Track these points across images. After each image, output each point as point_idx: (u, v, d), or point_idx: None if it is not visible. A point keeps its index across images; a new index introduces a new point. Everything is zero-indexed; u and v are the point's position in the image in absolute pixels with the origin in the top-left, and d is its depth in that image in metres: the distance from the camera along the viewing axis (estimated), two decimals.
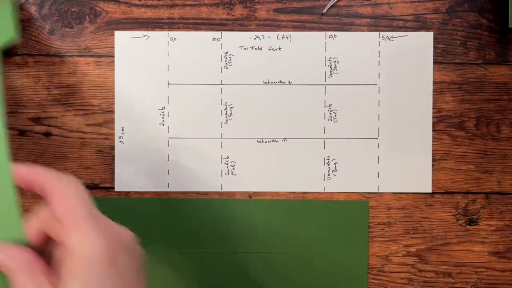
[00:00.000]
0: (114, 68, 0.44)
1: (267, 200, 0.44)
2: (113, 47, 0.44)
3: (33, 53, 0.44)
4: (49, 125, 0.44)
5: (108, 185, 0.44)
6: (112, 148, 0.44)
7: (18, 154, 0.44)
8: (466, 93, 0.44)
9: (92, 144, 0.44)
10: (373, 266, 0.44)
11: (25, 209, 0.43)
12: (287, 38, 0.44)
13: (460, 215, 0.44)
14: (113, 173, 0.44)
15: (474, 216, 0.44)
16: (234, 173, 0.44)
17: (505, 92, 0.44)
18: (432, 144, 0.44)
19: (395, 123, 0.44)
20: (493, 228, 0.44)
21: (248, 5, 0.43)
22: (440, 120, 0.44)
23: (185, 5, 0.44)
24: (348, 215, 0.43)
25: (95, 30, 0.44)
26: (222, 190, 0.44)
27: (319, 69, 0.44)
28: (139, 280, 0.28)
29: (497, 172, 0.44)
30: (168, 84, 0.44)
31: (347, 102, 0.44)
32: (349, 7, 0.44)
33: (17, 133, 0.44)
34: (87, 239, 0.26)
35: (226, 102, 0.44)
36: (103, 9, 0.44)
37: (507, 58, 0.44)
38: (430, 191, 0.44)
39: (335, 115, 0.44)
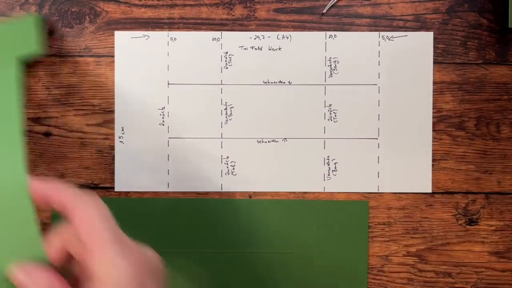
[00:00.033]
0: (114, 68, 0.44)
1: (267, 200, 0.44)
2: (113, 47, 0.44)
3: None
4: (49, 125, 0.44)
5: (108, 185, 0.44)
6: (112, 148, 0.44)
7: None
8: (466, 93, 0.44)
9: (92, 144, 0.44)
10: (373, 266, 0.44)
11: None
12: (287, 38, 0.44)
13: (460, 215, 0.44)
14: (113, 173, 0.44)
15: (474, 216, 0.44)
16: (234, 173, 0.44)
17: (505, 92, 0.44)
18: (432, 144, 0.44)
19: (395, 123, 0.44)
20: (493, 228, 0.44)
21: (248, 5, 0.43)
22: (440, 120, 0.44)
23: (185, 5, 0.44)
24: (348, 215, 0.43)
25: (95, 30, 0.44)
26: (222, 190, 0.44)
27: (319, 69, 0.44)
28: None
29: (497, 172, 0.44)
30: (168, 84, 0.44)
31: (347, 102, 0.44)
32: (349, 7, 0.44)
33: None
34: (113, 264, 0.25)
35: (226, 102, 0.44)
36: (103, 9, 0.44)
37: (507, 58, 0.44)
38: (430, 191, 0.44)
39: (335, 115, 0.44)
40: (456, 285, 0.44)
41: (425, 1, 0.44)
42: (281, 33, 0.44)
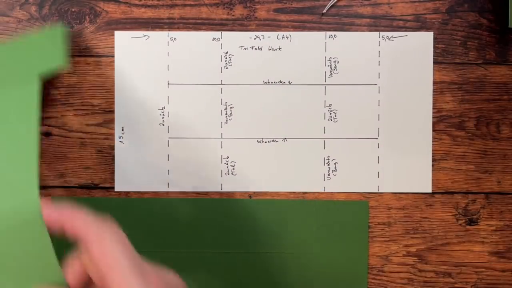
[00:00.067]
0: (114, 68, 0.44)
1: (267, 200, 0.44)
2: (113, 47, 0.44)
3: None
4: (49, 125, 0.44)
5: (108, 185, 0.44)
6: (112, 148, 0.44)
7: None
8: (466, 93, 0.44)
9: (92, 144, 0.44)
10: (373, 266, 0.44)
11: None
12: (287, 38, 0.44)
13: (460, 215, 0.44)
14: (113, 173, 0.44)
15: (474, 216, 0.44)
16: (234, 173, 0.44)
17: (505, 92, 0.44)
18: (432, 144, 0.44)
19: (395, 123, 0.44)
20: (493, 228, 0.44)
21: (248, 5, 0.43)
22: (440, 120, 0.44)
23: (185, 5, 0.44)
24: (348, 215, 0.43)
25: (95, 30, 0.44)
26: (222, 190, 0.44)
27: (319, 69, 0.44)
28: None
29: (497, 172, 0.44)
30: (168, 84, 0.44)
31: (347, 102, 0.44)
32: (349, 7, 0.44)
33: None
34: None
35: (226, 102, 0.44)
36: (103, 9, 0.44)
37: (507, 58, 0.44)
38: (430, 191, 0.44)
39: (335, 115, 0.44)
40: (456, 285, 0.44)
41: (425, 1, 0.44)
42: (281, 33, 0.44)
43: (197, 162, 0.44)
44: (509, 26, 0.42)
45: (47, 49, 0.37)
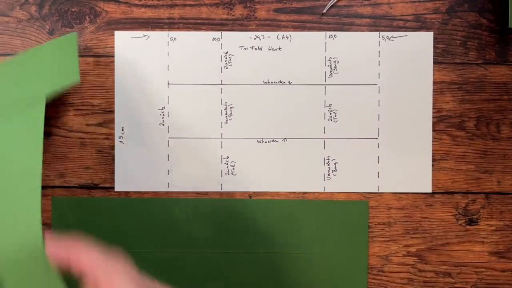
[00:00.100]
0: (114, 68, 0.44)
1: (267, 200, 0.44)
2: (113, 47, 0.44)
3: None
4: (49, 125, 0.44)
5: (108, 185, 0.44)
6: (112, 148, 0.44)
7: None
8: (466, 93, 0.44)
9: (92, 144, 0.44)
10: (373, 266, 0.44)
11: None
12: (287, 38, 0.44)
13: (460, 215, 0.44)
14: (113, 173, 0.44)
15: (474, 216, 0.44)
16: (234, 173, 0.44)
17: (505, 92, 0.44)
18: (432, 144, 0.44)
19: (395, 123, 0.44)
20: (493, 228, 0.44)
21: (248, 5, 0.43)
22: (440, 120, 0.44)
23: (185, 5, 0.44)
24: (348, 215, 0.43)
25: (95, 30, 0.44)
26: (222, 190, 0.44)
27: (319, 69, 0.44)
28: None
29: (497, 172, 0.44)
30: (168, 84, 0.44)
31: (347, 102, 0.44)
32: (349, 7, 0.44)
33: None
34: None
35: (226, 102, 0.44)
36: (103, 9, 0.44)
37: (507, 58, 0.44)
38: (430, 191, 0.44)
39: (335, 115, 0.44)
40: (456, 285, 0.44)
41: (425, 1, 0.44)
42: (281, 33, 0.44)
43: (197, 162, 0.44)
44: (509, 26, 0.42)
45: (58, 65, 0.36)
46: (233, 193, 0.44)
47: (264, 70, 0.44)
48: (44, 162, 0.43)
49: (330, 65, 0.44)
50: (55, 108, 0.44)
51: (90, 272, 0.26)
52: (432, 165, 0.44)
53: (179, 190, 0.44)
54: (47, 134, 0.44)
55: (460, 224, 0.44)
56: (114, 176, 0.44)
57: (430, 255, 0.44)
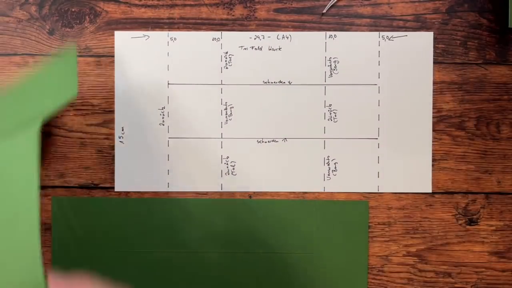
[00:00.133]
0: (114, 68, 0.44)
1: (267, 200, 0.44)
2: (113, 47, 0.44)
3: (33, 53, 0.44)
4: (49, 125, 0.44)
5: (108, 185, 0.44)
6: (112, 148, 0.44)
7: None
8: (466, 93, 0.44)
9: (92, 144, 0.44)
10: (373, 266, 0.44)
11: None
12: (287, 38, 0.44)
13: (460, 215, 0.44)
14: (113, 173, 0.44)
15: (474, 216, 0.44)
16: (234, 173, 0.44)
17: (505, 92, 0.44)
18: (432, 144, 0.44)
19: (395, 123, 0.44)
20: (493, 228, 0.44)
21: (248, 5, 0.43)
22: (440, 120, 0.44)
23: (185, 5, 0.44)
24: (348, 215, 0.43)
25: (95, 30, 0.44)
26: (222, 190, 0.44)
27: (319, 69, 0.44)
28: None
29: (497, 172, 0.44)
30: (168, 84, 0.44)
31: (347, 102, 0.44)
32: (349, 7, 0.44)
33: None
34: None
35: (226, 102, 0.44)
36: (103, 9, 0.44)
37: (507, 58, 0.44)
38: (430, 191, 0.44)
39: (335, 115, 0.44)
40: (456, 285, 0.44)
41: (425, 1, 0.44)
42: (281, 33, 0.44)
43: (197, 162, 0.44)
44: (509, 26, 0.42)
45: (57, 85, 0.36)
46: (233, 193, 0.44)
47: (264, 70, 0.44)
48: (44, 161, 0.44)
49: (330, 65, 0.44)
50: None
51: None
52: (432, 165, 0.44)
53: (179, 190, 0.44)
54: (47, 134, 0.44)
55: (460, 224, 0.44)
56: (114, 176, 0.44)
57: (430, 255, 0.44)
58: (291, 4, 0.44)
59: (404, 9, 0.44)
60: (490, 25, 0.44)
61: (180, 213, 0.44)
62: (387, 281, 0.44)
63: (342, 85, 0.44)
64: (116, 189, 0.44)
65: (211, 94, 0.44)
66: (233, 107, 0.44)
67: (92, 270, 0.43)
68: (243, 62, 0.44)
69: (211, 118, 0.44)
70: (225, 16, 0.44)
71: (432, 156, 0.44)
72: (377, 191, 0.44)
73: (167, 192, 0.44)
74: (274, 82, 0.44)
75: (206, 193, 0.44)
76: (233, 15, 0.44)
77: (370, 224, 0.44)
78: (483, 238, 0.44)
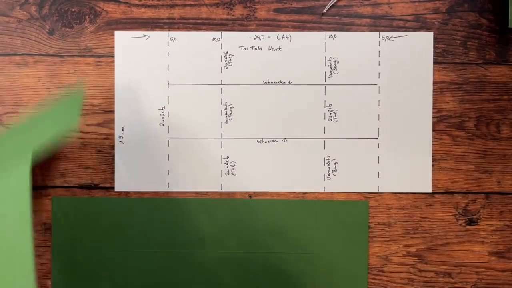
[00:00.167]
0: (114, 68, 0.44)
1: (267, 200, 0.44)
2: (113, 47, 0.44)
3: (33, 53, 0.44)
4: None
5: (108, 185, 0.44)
6: (112, 148, 0.44)
7: None
8: (466, 93, 0.44)
9: (92, 144, 0.44)
10: (373, 266, 0.44)
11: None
12: (287, 38, 0.44)
13: (460, 215, 0.44)
14: (113, 173, 0.44)
15: (474, 216, 0.44)
16: (234, 173, 0.44)
17: (505, 92, 0.44)
18: (432, 144, 0.44)
19: (395, 123, 0.44)
20: (493, 228, 0.44)
21: (248, 5, 0.43)
22: (440, 120, 0.44)
23: (185, 5, 0.44)
24: (348, 215, 0.43)
25: (95, 30, 0.44)
26: (222, 190, 0.44)
27: (319, 69, 0.44)
28: None
29: (497, 172, 0.44)
30: (168, 84, 0.44)
31: (347, 102, 0.44)
32: (349, 7, 0.44)
33: None
34: None
35: (226, 102, 0.44)
36: (103, 9, 0.44)
37: (507, 58, 0.44)
38: (430, 191, 0.44)
39: (335, 115, 0.44)
40: (456, 285, 0.44)
41: (425, 1, 0.44)
42: (281, 33, 0.44)
43: (197, 162, 0.44)
44: (509, 26, 0.42)
45: (56, 124, 0.36)
46: (233, 193, 0.44)
47: (264, 70, 0.44)
48: (44, 161, 0.44)
49: (330, 65, 0.44)
50: None
51: None
52: (432, 165, 0.44)
53: (179, 190, 0.44)
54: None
55: (460, 224, 0.44)
56: (114, 176, 0.44)
57: (430, 255, 0.44)
58: (291, 4, 0.44)
59: (404, 9, 0.44)
60: (490, 25, 0.44)
61: (180, 213, 0.44)
62: (387, 281, 0.44)
63: (342, 85, 0.44)
64: (116, 189, 0.44)
65: (211, 94, 0.44)
66: (233, 107, 0.44)
67: (92, 270, 0.43)
68: (243, 62, 0.44)
69: (211, 118, 0.44)
70: (225, 16, 0.44)
71: (432, 156, 0.44)
72: (377, 191, 0.44)
73: (167, 192, 0.44)
74: (274, 82, 0.44)
75: (206, 193, 0.44)
76: (233, 15, 0.44)
77: (370, 224, 0.44)
78: (483, 238, 0.44)
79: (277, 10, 0.44)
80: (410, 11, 0.44)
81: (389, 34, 0.44)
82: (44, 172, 0.44)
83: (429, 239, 0.44)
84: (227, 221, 0.44)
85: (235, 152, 0.44)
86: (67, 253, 0.43)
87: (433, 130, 0.44)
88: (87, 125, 0.44)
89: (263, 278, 0.43)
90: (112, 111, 0.44)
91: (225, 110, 0.44)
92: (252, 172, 0.44)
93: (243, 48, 0.44)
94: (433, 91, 0.44)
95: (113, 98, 0.44)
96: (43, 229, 0.43)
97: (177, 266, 0.44)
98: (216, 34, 0.44)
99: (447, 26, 0.44)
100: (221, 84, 0.44)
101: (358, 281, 0.44)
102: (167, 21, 0.44)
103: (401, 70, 0.44)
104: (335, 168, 0.44)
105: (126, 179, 0.44)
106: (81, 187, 0.44)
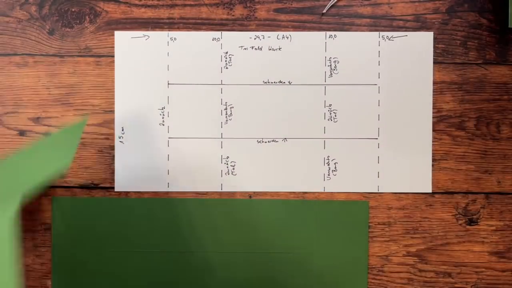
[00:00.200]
0: (114, 68, 0.44)
1: (267, 200, 0.44)
2: (113, 47, 0.44)
3: (33, 53, 0.44)
4: (49, 125, 0.44)
5: (108, 185, 0.44)
6: (112, 148, 0.44)
7: None
8: (466, 93, 0.44)
9: (92, 144, 0.44)
10: (373, 266, 0.44)
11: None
12: (287, 38, 0.44)
13: (460, 215, 0.44)
14: (113, 173, 0.44)
15: (474, 216, 0.44)
16: (234, 173, 0.44)
17: (505, 92, 0.44)
18: (432, 144, 0.44)
19: (395, 123, 0.44)
20: (493, 228, 0.44)
21: (248, 5, 0.43)
22: (440, 120, 0.44)
23: (185, 5, 0.44)
24: (348, 215, 0.43)
25: (95, 30, 0.44)
26: (222, 190, 0.44)
27: (319, 69, 0.44)
28: None
29: (497, 172, 0.44)
30: (168, 84, 0.44)
31: (347, 102, 0.44)
32: (349, 7, 0.44)
33: (17, 133, 0.44)
34: None
35: (226, 102, 0.44)
36: (103, 9, 0.44)
37: (507, 58, 0.44)
38: (430, 191, 0.44)
39: (335, 115, 0.44)
40: (456, 285, 0.44)
41: (425, 1, 0.44)
42: (281, 33, 0.44)
43: (197, 162, 0.44)
44: (509, 26, 0.42)
45: (52, 158, 0.35)
46: (233, 193, 0.44)
47: (264, 70, 0.44)
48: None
49: (330, 65, 0.44)
50: (55, 108, 0.44)
51: None
52: (432, 165, 0.44)
53: (179, 190, 0.44)
54: (47, 134, 0.44)
55: (460, 224, 0.44)
56: (114, 176, 0.44)
57: (430, 255, 0.44)
58: (291, 4, 0.44)
59: (404, 9, 0.44)
60: (490, 25, 0.44)
61: (180, 213, 0.44)
62: (387, 281, 0.44)
63: (342, 85, 0.44)
64: (116, 189, 0.44)
65: (211, 94, 0.44)
66: (233, 107, 0.44)
67: (92, 270, 0.43)
68: (243, 62, 0.44)
69: (211, 118, 0.44)
70: (225, 16, 0.44)
71: (432, 156, 0.44)
72: (377, 191, 0.44)
73: (167, 192, 0.44)
74: (274, 82, 0.44)
75: (206, 193, 0.44)
76: (233, 15, 0.44)
77: (370, 224, 0.44)
78: (483, 238, 0.44)
79: (277, 10, 0.44)
80: (410, 11, 0.44)
81: (389, 34, 0.44)
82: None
83: (429, 239, 0.44)
84: (227, 221, 0.44)
85: (235, 152, 0.44)
86: (67, 253, 0.43)
87: (433, 130, 0.44)
88: (87, 125, 0.44)
89: (263, 278, 0.43)
90: (112, 111, 0.44)
91: (225, 110, 0.44)
92: (252, 172, 0.44)
93: (243, 48, 0.44)
94: (433, 91, 0.44)
95: (113, 98, 0.44)
96: (43, 229, 0.43)
97: (177, 266, 0.44)
98: (216, 34, 0.44)
99: (447, 26, 0.44)
100: (221, 84, 0.44)
101: (358, 281, 0.44)
102: (167, 21, 0.44)
103: (401, 70, 0.44)
104: (335, 168, 0.44)
105: (126, 179, 0.44)
106: (81, 187, 0.44)
